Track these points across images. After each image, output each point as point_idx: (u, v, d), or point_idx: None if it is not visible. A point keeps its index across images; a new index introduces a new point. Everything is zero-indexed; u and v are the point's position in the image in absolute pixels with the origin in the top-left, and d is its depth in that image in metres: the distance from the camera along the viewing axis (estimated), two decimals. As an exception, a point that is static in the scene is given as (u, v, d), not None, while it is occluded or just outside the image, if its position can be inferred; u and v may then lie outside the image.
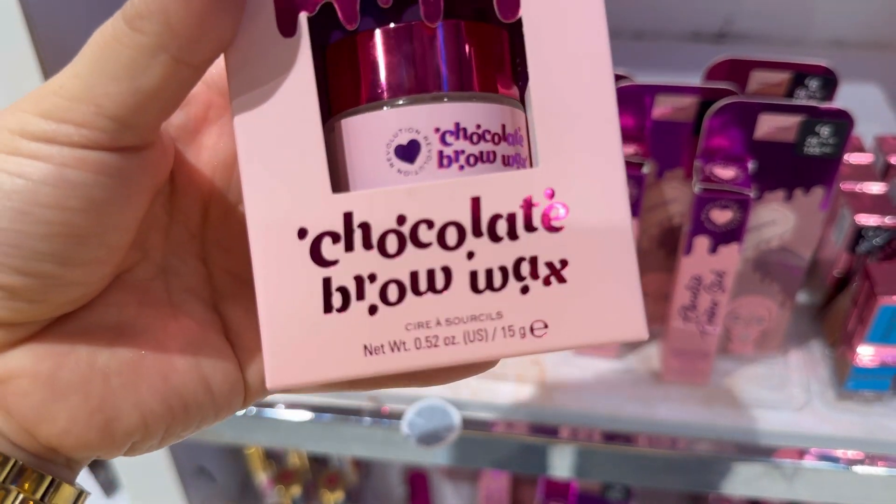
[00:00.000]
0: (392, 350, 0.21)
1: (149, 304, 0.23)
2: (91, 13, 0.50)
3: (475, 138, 0.21)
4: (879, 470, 0.49)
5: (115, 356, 0.22)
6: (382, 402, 0.53)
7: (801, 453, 0.49)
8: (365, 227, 0.20)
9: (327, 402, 0.53)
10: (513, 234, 0.21)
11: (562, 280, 0.21)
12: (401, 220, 0.21)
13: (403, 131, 0.21)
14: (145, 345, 0.22)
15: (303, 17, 0.20)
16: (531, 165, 0.22)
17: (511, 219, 0.21)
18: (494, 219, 0.21)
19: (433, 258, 0.21)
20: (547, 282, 0.21)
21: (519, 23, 0.20)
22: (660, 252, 0.52)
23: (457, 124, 0.21)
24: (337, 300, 0.21)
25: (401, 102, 0.21)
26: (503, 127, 0.21)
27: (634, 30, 0.90)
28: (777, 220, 0.47)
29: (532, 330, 0.21)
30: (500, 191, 0.21)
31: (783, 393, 0.52)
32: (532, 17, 0.20)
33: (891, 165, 0.56)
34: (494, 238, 0.21)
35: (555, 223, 0.21)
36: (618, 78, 0.45)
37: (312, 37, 0.20)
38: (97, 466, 0.80)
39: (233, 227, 0.24)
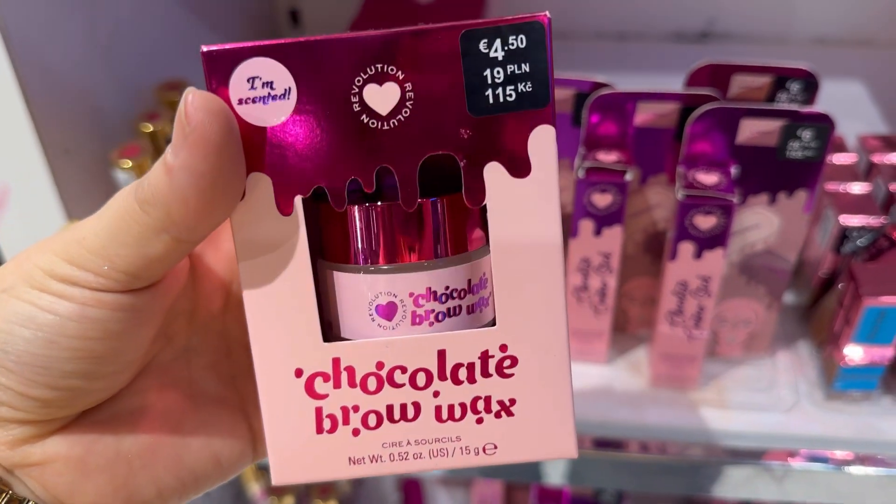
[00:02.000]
0: (371, 461, 0.26)
1: (170, 386, 0.27)
2: (70, 42, 0.49)
3: (444, 298, 0.25)
4: (869, 470, 0.49)
5: (137, 441, 0.26)
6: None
7: (791, 455, 0.49)
8: (350, 369, 0.25)
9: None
10: (472, 379, 0.25)
11: (510, 414, 0.26)
12: (379, 365, 0.25)
13: (383, 294, 0.25)
14: (163, 428, 0.26)
15: (298, 199, 0.24)
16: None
17: (471, 367, 0.25)
18: (457, 367, 0.25)
19: (405, 395, 0.25)
20: (498, 415, 0.26)
21: None
22: (645, 257, 0.52)
23: (428, 289, 0.25)
24: (327, 424, 0.26)
25: (383, 269, 0.25)
26: (468, 282, 0.26)
27: (617, 31, 0.90)
28: (761, 223, 0.47)
29: (484, 450, 0.26)
30: (463, 345, 0.25)
31: (772, 395, 0.52)
32: (494, 204, 0.24)
33: (874, 165, 0.56)
34: (456, 381, 0.25)
35: (506, 371, 0.25)
36: (599, 86, 0.45)
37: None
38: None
39: None
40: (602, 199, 0.45)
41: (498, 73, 0.23)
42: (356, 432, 0.26)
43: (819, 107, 0.45)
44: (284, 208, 0.24)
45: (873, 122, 0.78)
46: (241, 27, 0.84)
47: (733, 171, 0.44)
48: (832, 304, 0.53)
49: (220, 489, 0.79)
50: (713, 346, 0.54)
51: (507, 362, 0.25)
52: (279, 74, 0.23)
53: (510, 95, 0.23)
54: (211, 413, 0.28)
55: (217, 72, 0.23)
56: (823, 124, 0.42)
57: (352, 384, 0.25)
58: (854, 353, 0.48)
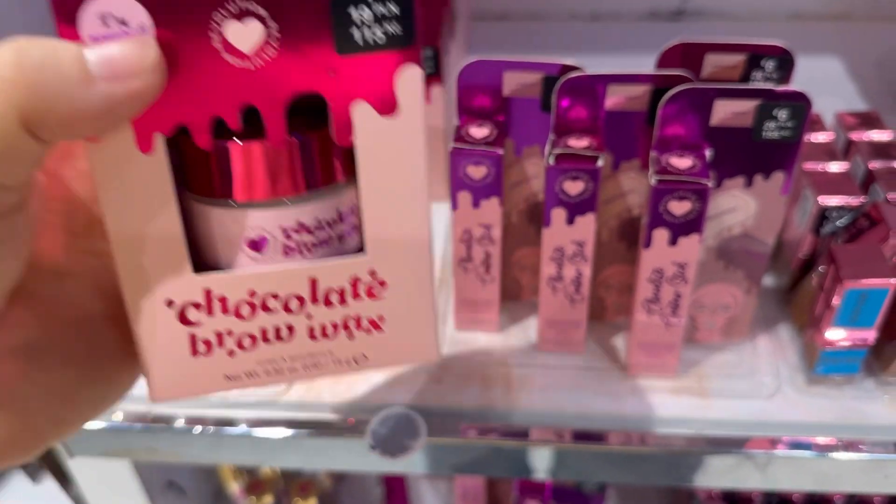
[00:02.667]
0: (247, 377, 0.28)
1: (44, 314, 0.25)
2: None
3: (314, 230, 0.27)
4: (853, 455, 0.48)
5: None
6: (347, 413, 0.51)
7: (773, 442, 0.49)
8: (223, 298, 0.26)
9: (295, 416, 0.52)
10: (343, 302, 0.27)
11: (379, 329, 0.28)
12: (252, 293, 0.27)
13: (254, 228, 0.26)
14: (46, 359, 0.24)
15: (158, 137, 0.24)
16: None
17: (342, 291, 0.27)
18: (329, 291, 0.27)
19: (279, 319, 0.27)
20: (368, 331, 0.28)
21: None
22: (620, 244, 0.50)
23: (299, 222, 0.27)
24: (202, 348, 0.27)
25: (254, 205, 0.26)
26: (338, 213, 0.27)
27: (591, 11, 0.88)
28: (738, 207, 0.46)
29: (355, 360, 0.29)
30: (334, 272, 0.27)
31: (753, 381, 0.51)
32: (361, 140, 0.25)
33: (852, 142, 0.55)
34: (328, 304, 0.27)
35: (375, 293, 0.28)
36: (568, 69, 0.44)
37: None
38: (65, 483, 0.78)
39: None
40: (574, 187, 0.44)
41: (365, 12, 0.24)
42: (231, 353, 0.27)
43: (795, 85, 0.44)
44: (144, 147, 0.24)
45: (851, 98, 0.77)
46: None
47: (708, 153, 0.43)
48: (812, 287, 0.52)
49: (197, 489, 0.77)
50: (692, 332, 0.53)
51: (375, 285, 0.27)
52: (132, 11, 0.22)
53: (377, 35, 0.24)
54: (94, 331, 0.26)
55: (65, 10, 0.21)
56: (800, 103, 0.41)
57: (225, 311, 0.26)
58: (835, 336, 0.47)
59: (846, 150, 0.55)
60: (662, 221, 0.43)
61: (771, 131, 0.42)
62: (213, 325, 0.26)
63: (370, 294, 0.27)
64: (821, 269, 0.50)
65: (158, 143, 0.24)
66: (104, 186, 0.24)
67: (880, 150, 0.53)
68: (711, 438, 0.49)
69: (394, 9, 0.23)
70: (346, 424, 0.51)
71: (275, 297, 0.27)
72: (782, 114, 0.41)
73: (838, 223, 0.50)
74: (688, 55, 0.45)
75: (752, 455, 0.48)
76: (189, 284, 0.26)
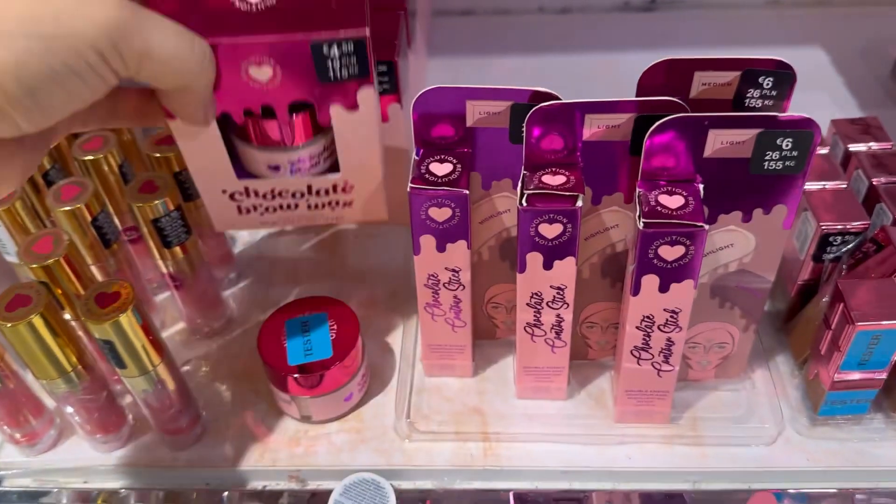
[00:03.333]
0: (271, 223, 0.46)
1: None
2: None
3: (307, 160, 0.44)
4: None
5: None
6: (306, 480, 0.46)
7: (777, 496, 0.44)
8: (255, 191, 0.44)
9: (247, 487, 0.46)
10: (327, 194, 0.45)
11: (349, 206, 0.46)
12: (273, 191, 0.44)
13: (271, 160, 0.43)
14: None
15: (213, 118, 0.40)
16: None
17: (327, 190, 0.45)
18: (318, 190, 0.45)
19: (289, 200, 0.45)
20: (342, 206, 0.46)
21: None
22: (604, 281, 0.45)
23: (298, 157, 0.43)
24: (244, 212, 0.45)
25: (269, 149, 0.43)
26: (325, 147, 0.44)
27: (561, 6, 0.82)
28: (735, 242, 0.41)
29: (336, 217, 0.47)
30: (322, 182, 0.44)
31: (752, 425, 0.46)
32: (336, 122, 0.41)
33: (851, 155, 0.50)
34: (318, 196, 0.45)
35: (346, 190, 0.45)
36: (540, 95, 0.38)
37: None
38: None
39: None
40: (551, 230, 0.38)
41: (336, 60, 0.38)
42: (262, 214, 0.46)
43: (793, 100, 0.39)
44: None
45: (838, 92, 0.72)
46: None
47: (701, 188, 0.38)
48: (813, 316, 0.47)
49: None
50: (684, 370, 0.48)
51: (346, 186, 0.45)
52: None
53: (342, 72, 0.39)
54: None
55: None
56: (806, 130, 0.36)
57: (256, 196, 0.45)
58: (844, 378, 0.43)
59: (845, 161, 0.51)
60: (653, 268, 0.38)
61: (773, 162, 0.37)
62: (251, 202, 0.45)
63: (343, 190, 0.45)
64: (825, 301, 0.45)
65: (213, 121, 0.40)
66: (184, 144, 0.41)
67: (883, 163, 0.48)
68: (709, 494, 0.44)
69: (353, 57, 0.38)
70: (304, 495, 0.45)
71: (285, 192, 0.45)
72: (786, 143, 0.36)
73: (842, 250, 0.45)
74: (673, 73, 0.39)
75: (755, 511, 0.44)
76: (235, 183, 0.44)
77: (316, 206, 0.45)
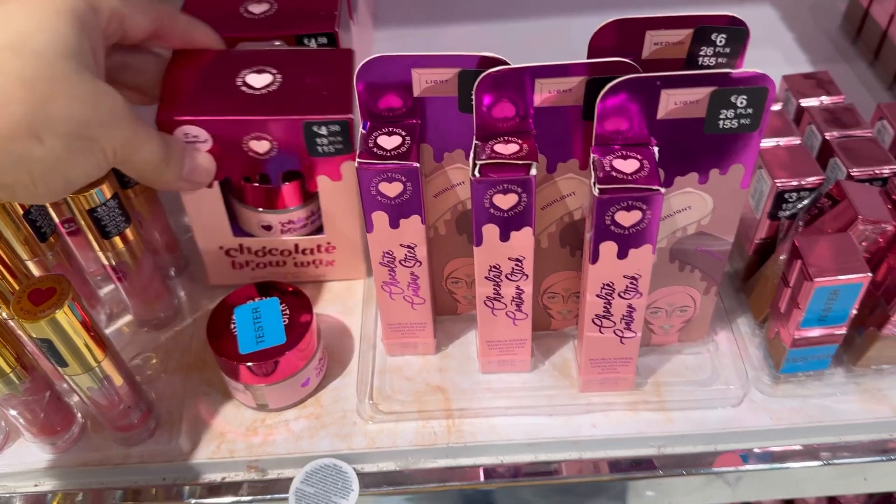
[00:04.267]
0: (258, 276, 0.53)
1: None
2: None
3: (299, 222, 0.50)
4: (827, 461, 0.44)
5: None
6: (265, 470, 0.45)
7: (743, 457, 0.44)
8: (248, 248, 0.51)
9: (204, 479, 0.45)
10: (311, 254, 0.51)
11: (332, 264, 0.52)
12: (264, 248, 0.51)
13: (264, 221, 0.50)
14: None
15: (215, 182, 0.47)
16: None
17: (312, 250, 0.51)
18: (305, 249, 0.51)
19: (279, 257, 0.51)
20: (325, 265, 0.52)
21: None
22: (563, 250, 0.44)
23: (288, 220, 0.50)
24: (238, 266, 0.52)
25: (264, 210, 0.49)
26: (312, 211, 0.50)
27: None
28: (692, 205, 0.40)
29: (319, 274, 0.53)
30: (309, 243, 0.51)
31: (716, 387, 0.46)
32: (322, 189, 0.47)
33: (804, 110, 0.50)
34: (305, 254, 0.51)
35: (328, 250, 0.51)
36: (490, 61, 0.37)
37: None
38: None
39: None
40: (505, 201, 0.37)
41: (324, 138, 0.44)
42: (253, 269, 0.52)
43: (747, 56, 0.38)
44: (209, 186, 0.46)
45: (790, 49, 0.72)
46: None
47: (656, 150, 0.37)
48: (771, 275, 0.47)
49: None
50: (647, 336, 0.48)
51: (329, 247, 0.51)
52: (203, 133, 0.44)
53: (330, 147, 0.45)
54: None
55: (163, 128, 0.44)
56: (760, 87, 0.35)
57: (249, 252, 0.51)
58: (804, 335, 0.42)
59: (798, 118, 0.50)
60: (610, 234, 0.37)
61: (728, 120, 0.36)
62: (243, 258, 0.51)
63: (327, 251, 0.51)
64: (782, 258, 0.45)
65: (215, 184, 0.46)
66: (189, 204, 0.47)
67: (836, 117, 0.48)
68: (676, 457, 0.44)
69: (339, 136, 0.44)
70: (265, 485, 0.44)
71: (275, 251, 0.51)
72: (740, 100, 0.35)
73: (798, 207, 0.45)
74: (624, 34, 0.38)
75: (721, 472, 0.44)
76: (231, 240, 0.50)
77: (302, 264, 0.52)
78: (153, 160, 0.40)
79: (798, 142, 0.46)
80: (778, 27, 0.74)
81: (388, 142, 0.38)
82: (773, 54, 0.71)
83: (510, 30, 0.75)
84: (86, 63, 0.35)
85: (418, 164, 0.38)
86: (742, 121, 0.36)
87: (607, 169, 0.36)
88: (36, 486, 0.45)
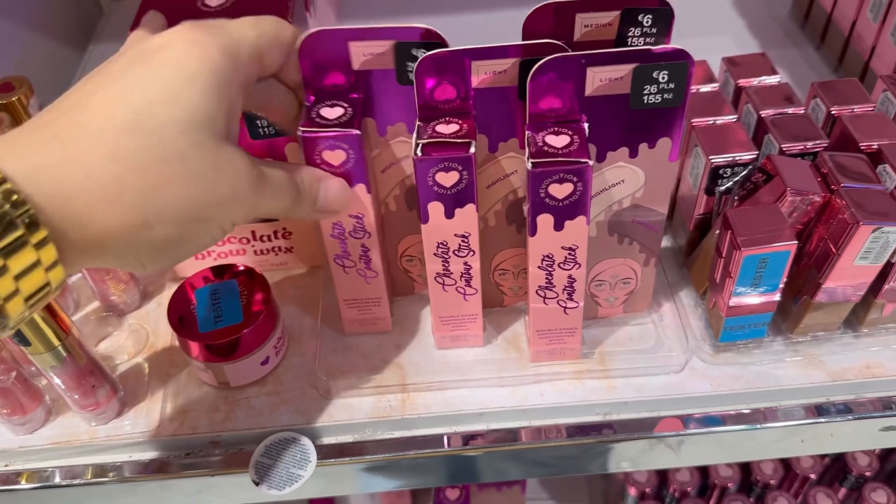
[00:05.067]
0: (220, 256, 0.54)
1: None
2: None
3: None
4: (766, 424, 0.46)
5: None
6: (227, 445, 0.46)
7: (684, 421, 0.46)
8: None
9: (167, 454, 0.46)
10: (272, 238, 0.53)
11: (290, 251, 0.54)
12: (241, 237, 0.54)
13: None
14: None
15: None
16: None
17: (270, 235, 0.53)
18: (262, 236, 0.53)
19: (237, 245, 0.52)
20: (284, 252, 0.54)
21: None
22: (510, 228, 0.46)
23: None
24: (199, 254, 0.53)
25: None
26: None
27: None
28: (625, 178, 0.42)
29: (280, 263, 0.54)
30: (265, 229, 0.52)
31: (658, 355, 0.48)
32: None
33: (741, 90, 0.52)
34: (261, 239, 0.53)
35: (286, 235, 0.53)
36: (424, 33, 0.38)
37: None
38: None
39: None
40: (448, 178, 0.39)
41: (264, 121, 0.47)
42: (215, 259, 0.54)
43: (679, 31, 0.40)
44: None
45: (741, 34, 0.74)
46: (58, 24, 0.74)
47: (586, 126, 0.39)
48: (709, 248, 0.49)
49: None
50: (593, 308, 0.50)
51: (286, 233, 0.53)
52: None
53: (269, 130, 0.47)
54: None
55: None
56: (680, 62, 0.37)
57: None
58: (738, 303, 0.44)
59: (735, 99, 0.52)
60: (545, 207, 0.39)
61: (651, 96, 0.38)
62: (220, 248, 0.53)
63: (283, 237, 0.52)
64: (717, 232, 0.47)
65: None
66: None
67: (771, 96, 0.50)
68: (620, 423, 0.46)
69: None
70: (227, 457, 0.46)
71: (234, 237, 0.52)
72: (662, 75, 0.37)
73: (732, 182, 0.47)
74: (557, 17, 0.40)
75: (663, 437, 0.46)
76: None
77: (262, 252, 0.53)
78: (281, 210, 0.37)
79: (734, 119, 0.49)
80: (730, 13, 0.76)
81: (330, 112, 0.40)
82: (724, 39, 0.73)
83: (472, 21, 0.77)
84: (213, 131, 0.32)
85: (359, 132, 0.39)
86: (665, 95, 0.38)
87: (539, 144, 0.38)
88: (6, 465, 0.47)
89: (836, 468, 0.84)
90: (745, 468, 0.84)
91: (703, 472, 0.85)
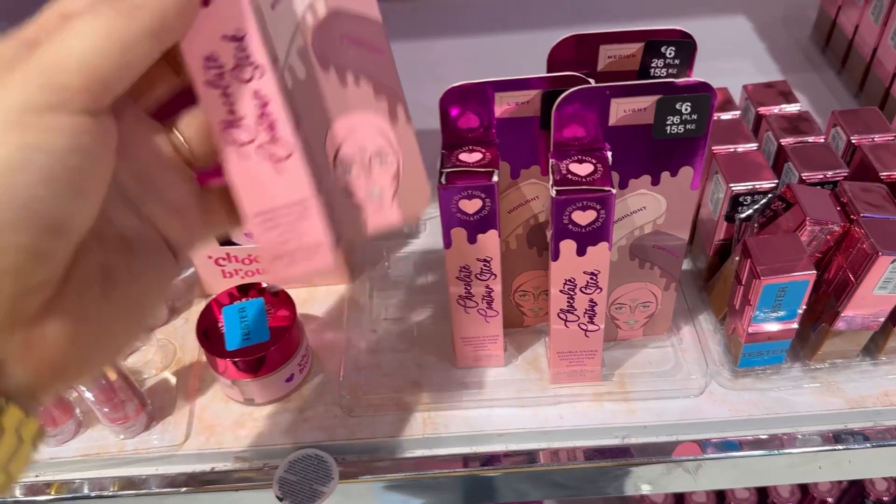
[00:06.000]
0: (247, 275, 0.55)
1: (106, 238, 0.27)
2: None
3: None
4: (783, 450, 0.46)
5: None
6: (252, 460, 0.47)
7: (702, 446, 0.46)
8: (234, 256, 0.54)
9: (194, 469, 0.47)
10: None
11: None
12: (249, 256, 0.54)
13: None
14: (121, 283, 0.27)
15: None
16: None
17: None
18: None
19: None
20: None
21: None
22: (530, 251, 0.47)
23: None
24: (227, 272, 0.55)
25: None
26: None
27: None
28: (647, 205, 0.43)
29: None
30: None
31: (678, 379, 0.48)
32: None
33: (762, 118, 0.52)
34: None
35: None
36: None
37: None
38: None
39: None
40: (471, 206, 0.40)
41: None
42: (242, 278, 0.55)
43: (698, 57, 0.41)
44: None
45: (761, 59, 0.75)
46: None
47: (609, 155, 0.39)
48: (729, 274, 0.49)
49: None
50: (614, 331, 0.50)
51: None
52: None
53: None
54: (145, 249, 0.28)
55: None
56: (703, 94, 0.38)
57: (236, 260, 0.54)
58: (757, 331, 0.45)
59: (756, 126, 0.53)
60: (568, 233, 0.39)
61: (674, 126, 0.39)
62: (232, 267, 0.54)
63: None
64: (736, 259, 0.47)
65: None
66: None
67: (792, 125, 0.51)
68: (638, 447, 0.47)
69: None
70: (250, 473, 0.47)
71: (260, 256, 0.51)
72: (685, 107, 0.38)
73: (752, 209, 0.47)
74: (582, 47, 0.41)
75: (681, 461, 0.46)
76: (217, 249, 0.53)
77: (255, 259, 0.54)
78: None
79: (754, 148, 0.49)
80: (751, 37, 0.77)
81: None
82: (745, 63, 0.74)
83: (496, 43, 0.78)
84: None
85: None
86: (688, 126, 0.39)
87: (563, 172, 0.39)
88: (37, 476, 0.48)
89: (853, 492, 0.84)
90: (762, 490, 0.84)
91: (720, 493, 0.85)
